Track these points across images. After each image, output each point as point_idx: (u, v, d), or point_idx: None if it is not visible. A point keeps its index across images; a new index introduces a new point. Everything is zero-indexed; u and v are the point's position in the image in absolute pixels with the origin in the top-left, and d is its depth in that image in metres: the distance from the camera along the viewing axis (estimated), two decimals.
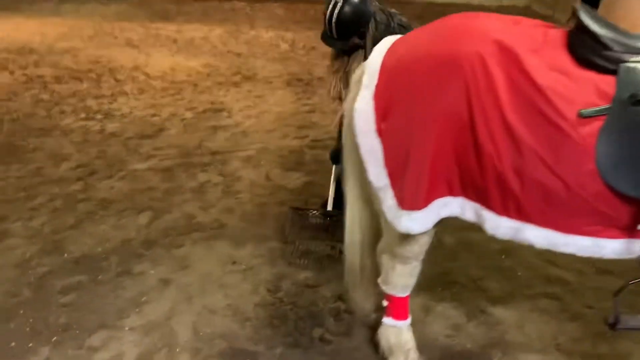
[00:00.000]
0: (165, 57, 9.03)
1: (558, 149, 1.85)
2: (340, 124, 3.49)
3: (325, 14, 2.98)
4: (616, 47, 1.82)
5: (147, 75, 7.97)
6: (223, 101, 6.94)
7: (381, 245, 2.60)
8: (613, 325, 1.96)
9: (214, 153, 5.33)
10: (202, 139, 5.69)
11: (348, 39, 3.01)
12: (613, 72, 1.84)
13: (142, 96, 7.04)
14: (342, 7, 2.92)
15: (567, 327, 3.08)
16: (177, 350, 2.83)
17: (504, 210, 2.00)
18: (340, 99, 3.29)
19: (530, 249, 3.76)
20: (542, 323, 3.10)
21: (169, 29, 11.39)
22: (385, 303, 2.69)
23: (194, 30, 11.28)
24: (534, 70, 1.88)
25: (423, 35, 2.21)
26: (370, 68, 2.26)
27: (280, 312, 3.11)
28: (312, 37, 10.92)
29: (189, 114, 6.42)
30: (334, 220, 3.51)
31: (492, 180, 1.97)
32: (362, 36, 3.02)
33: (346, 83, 3.14)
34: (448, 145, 2.05)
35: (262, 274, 3.47)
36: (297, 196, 4.51)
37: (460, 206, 2.13)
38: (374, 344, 2.86)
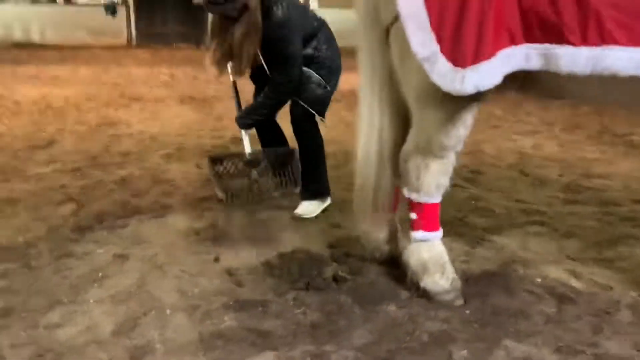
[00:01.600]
0: (32, 89, 8.07)
1: None
2: (235, 87, 3.47)
3: None
4: None
5: (16, 102, 7.01)
6: (116, 117, 6.29)
7: (408, 147, 2.32)
8: None
9: (125, 154, 4.71)
10: (106, 144, 5.03)
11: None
12: None
13: (18, 117, 6.14)
14: None
15: (566, 243, 3.01)
16: (168, 312, 2.26)
17: (582, 39, 1.84)
18: (223, 66, 3.24)
19: (495, 193, 3.74)
20: (543, 242, 3.00)
21: (26, 70, 10.32)
22: (413, 216, 2.39)
23: (56, 71, 10.34)
24: None
25: None
26: None
27: (278, 264, 2.66)
28: (190, 71, 10.56)
29: (81, 128, 5.69)
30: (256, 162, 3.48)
31: (567, 8, 1.83)
32: None
33: (229, 51, 3.06)
34: None
35: (236, 238, 2.99)
36: None
37: (525, 55, 1.94)
38: (393, 276, 2.55)
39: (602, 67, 1.85)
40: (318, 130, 3.38)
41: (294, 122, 3.31)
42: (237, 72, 3.26)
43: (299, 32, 3.10)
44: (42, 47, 14.99)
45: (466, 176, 4.13)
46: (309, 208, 3.32)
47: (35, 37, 16.16)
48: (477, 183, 4.02)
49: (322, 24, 3.31)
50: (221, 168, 3.51)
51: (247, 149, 3.42)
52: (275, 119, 3.53)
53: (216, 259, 2.74)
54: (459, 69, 1.92)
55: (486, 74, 1.91)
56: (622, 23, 1.81)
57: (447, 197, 3.53)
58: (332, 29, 3.41)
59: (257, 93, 3.46)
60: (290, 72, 3.12)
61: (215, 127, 5.79)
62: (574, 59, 1.87)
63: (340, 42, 3.38)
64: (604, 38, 1.83)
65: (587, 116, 6.58)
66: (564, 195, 3.75)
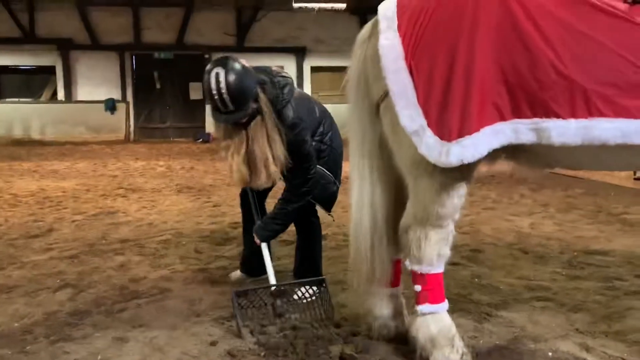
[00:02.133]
0: (30, 183, 8.16)
1: (618, 33, 1.90)
2: (252, 192, 3.24)
3: (210, 92, 2.70)
4: None
5: (14, 195, 7.04)
6: (114, 206, 6.31)
7: (407, 218, 2.35)
8: None
9: (123, 241, 4.68)
10: (104, 232, 5.00)
11: (245, 105, 2.74)
12: None
13: (16, 209, 6.14)
14: (227, 77, 2.67)
15: (574, 316, 2.96)
16: None
17: (570, 111, 1.93)
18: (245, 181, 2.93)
19: (497, 270, 3.72)
20: (551, 317, 2.95)
21: (25, 165, 10.48)
22: (417, 288, 2.37)
23: (55, 165, 10.51)
24: None
25: None
26: (386, 14, 2.21)
27: (282, 344, 2.58)
28: (187, 162, 10.77)
29: (78, 217, 5.68)
30: (283, 293, 3.02)
31: (553, 83, 1.92)
32: (256, 99, 2.80)
33: (250, 161, 2.84)
34: (493, 63, 2.00)
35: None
36: (238, 261, 4.04)
37: (514, 130, 2.02)
38: (402, 352, 2.48)
39: (592, 137, 1.93)
40: (319, 221, 3.39)
41: (299, 218, 3.28)
42: (265, 180, 2.91)
43: (309, 129, 3.05)
44: (42, 143, 15.32)
45: (467, 255, 4.12)
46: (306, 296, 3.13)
47: (35, 134, 16.52)
48: (479, 261, 4.00)
49: (323, 110, 3.30)
50: (245, 303, 2.92)
51: (269, 266, 3.09)
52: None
53: (215, 342, 2.66)
54: (444, 142, 2.00)
55: (470, 148, 1.98)
56: (604, 96, 1.91)
57: (449, 275, 3.57)
58: None
59: (246, 203, 3.33)
60: (307, 171, 3.01)
61: (213, 213, 5.81)
62: (564, 130, 1.94)
63: None
64: (591, 111, 1.92)
65: (581, 197, 6.67)
66: (566, 272, 3.73)
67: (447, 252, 2.33)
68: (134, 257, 4.18)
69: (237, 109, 2.74)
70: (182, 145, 15.25)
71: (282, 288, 3.04)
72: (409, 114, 2.08)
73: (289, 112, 2.92)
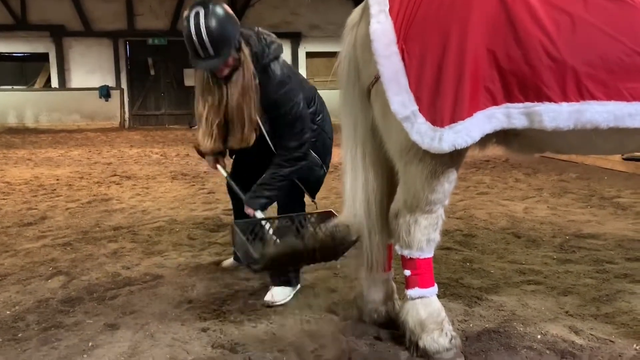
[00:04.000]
0: (24, 170, 8.13)
1: (611, 15, 1.88)
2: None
3: (189, 32, 2.55)
4: None
5: (8, 183, 7.03)
6: (107, 193, 6.30)
7: (396, 203, 2.35)
8: None
9: (116, 229, 4.67)
10: (98, 220, 5.00)
11: (225, 51, 2.59)
12: None
13: (9, 197, 6.13)
14: (207, 17, 2.51)
15: (564, 299, 2.98)
16: None
17: (562, 95, 1.91)
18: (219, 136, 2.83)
19: (489, 255, 3.73)
20: (540, 300, 2.97)
21: (19, 153, 10.44)
22: (407, 273, 2.37)
23: (49, 153, 10.48)
24: None
25: None
26: None
27: (273, 328, 2.59)
28: (181, 150, 10.74)
29: (72, 205, 5.67)
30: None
31: (544, 66, 1.90)
32: (238, 50, 2.64)
33: (225, 116, 2.73)
34: (484, 48, 1.97)
35: (231, 305, 2.93)
36: (230, 247, 4.04)
37: (506, 114, 2.00)
38: (392, 336, 2.50)
39: (584, 121, 1.91)
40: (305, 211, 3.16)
41: (283, 203, 3.08)
42: (239, 141, 2.82)
43: (300, 90, 2.83)
44: (36, 131, 15.26)
45: (459, 239, 4.13)
46: (280, 293, 2.95)
47: (29, 122, 16.46)
48: (471, 246, 4.01)
49: (314, 90, 3.18)
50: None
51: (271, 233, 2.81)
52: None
53: (206, 329, 2.67)
54: (437, 128, 1.99)
55: (463, 133, 1.97)
56: (597, 79, 1.89)
57: (441, 260, 3.59)
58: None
59: (237, 175, 3.15)
60: (301, 134, 2.78)
61: (207, 200, 5.81)
62: (557, 114, 1.92)
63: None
64: (583, 94, 1.90)
65: (574, 181, 6.69)
66: (558, 255, 3.74)
67: (436, 237, 2.33)
68: (127, 244, 4.18)
69: (217, 54, 2.59)
70: (177, 132, 15.20)
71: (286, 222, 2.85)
72: (400, 99, 2.06)
73: (277, 69, 2.75)
